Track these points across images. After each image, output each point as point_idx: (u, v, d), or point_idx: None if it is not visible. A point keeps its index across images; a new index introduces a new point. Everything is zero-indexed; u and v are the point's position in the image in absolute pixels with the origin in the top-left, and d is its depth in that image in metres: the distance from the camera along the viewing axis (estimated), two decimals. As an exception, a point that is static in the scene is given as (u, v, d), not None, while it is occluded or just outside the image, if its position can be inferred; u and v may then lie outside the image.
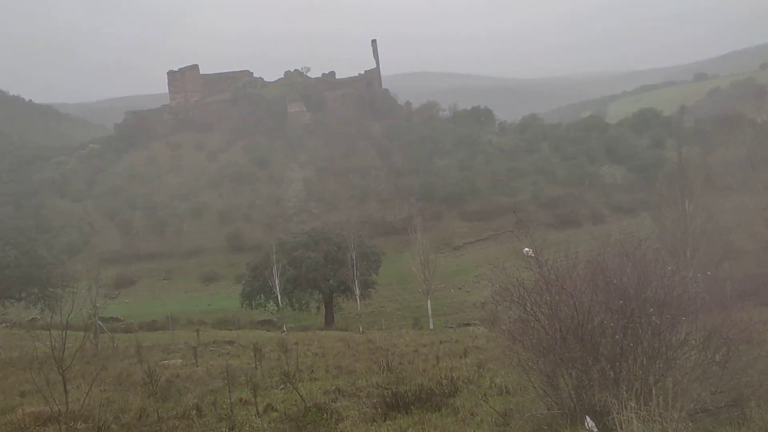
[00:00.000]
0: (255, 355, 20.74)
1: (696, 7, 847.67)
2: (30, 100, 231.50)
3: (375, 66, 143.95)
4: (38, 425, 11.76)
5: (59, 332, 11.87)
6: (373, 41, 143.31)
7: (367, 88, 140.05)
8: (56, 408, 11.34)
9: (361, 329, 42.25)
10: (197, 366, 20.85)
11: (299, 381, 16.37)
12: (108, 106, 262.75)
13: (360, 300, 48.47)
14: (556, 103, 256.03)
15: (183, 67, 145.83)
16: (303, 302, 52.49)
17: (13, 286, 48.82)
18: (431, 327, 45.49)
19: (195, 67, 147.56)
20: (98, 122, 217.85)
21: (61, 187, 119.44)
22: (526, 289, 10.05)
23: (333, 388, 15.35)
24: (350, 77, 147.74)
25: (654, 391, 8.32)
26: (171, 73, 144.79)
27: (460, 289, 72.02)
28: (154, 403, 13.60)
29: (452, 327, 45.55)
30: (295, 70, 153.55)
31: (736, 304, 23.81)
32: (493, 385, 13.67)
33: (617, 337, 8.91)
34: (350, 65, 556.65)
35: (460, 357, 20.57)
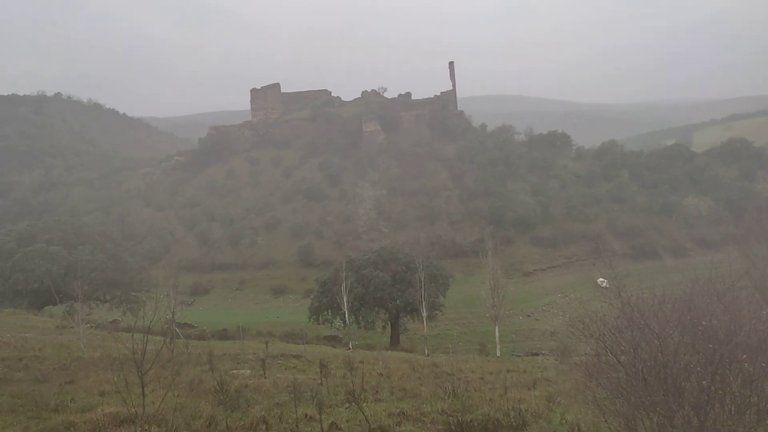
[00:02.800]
0: (321, 371, 20.89)
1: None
2: (124, 113, 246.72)
3: (451, 87, 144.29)
4: (115, 425, 12.24)
5: (140, 336, 12.38)
6: (450, 63, 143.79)
7: (442, 110, 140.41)
8: (133, 410, 11.77)
9: (426, 352, 41.83)
10: (265, 378, 21.19)
11: (364, 401, 16.32)
12: (193, 120, 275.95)
13: (426, 322, 48.04)
14: (634, 130, 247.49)
15: (265, 85, 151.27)
16: (369, 321, 52.52)
17: (99, 289, 51.53)
18: (498, 354, 44.44)
19: (276, 85, 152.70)
20: (183, 136, 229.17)
21: (146, 196, 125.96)
22: (605, 324, 9.64)
23: (397, 411, 15.19)
24: (426, 98, 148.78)
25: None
26: (254, 91, 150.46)
27: (528, 316, 70.15)
28: (223, 412, 13.90)
29: (520, 355, 44.36)
30: (372, 90, 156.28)
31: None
32: (564, 421, 13.13)
33: (704, 382, 8.37)
34: (427, 87, 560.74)
35: (529, 388, 19.93)
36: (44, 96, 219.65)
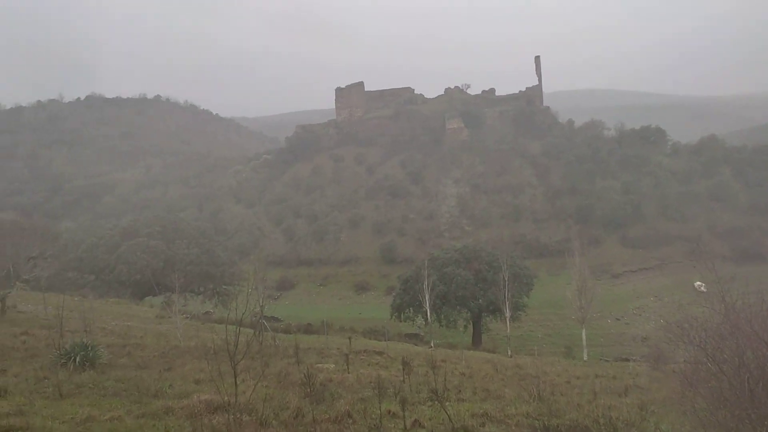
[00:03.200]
0: (403, 368, 20.97)
1: None
2: (217, 114, 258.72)
3: (537, 83, 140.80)
4: (209, 412, 12.85)
5: (232, 327, 12.92)
6: (537, 58, 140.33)
7: (528, 105, 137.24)
8: (226, 398, 12.30)
9: (509, 353, 41.10)
10: (348, 373, 21.55)
11: (447, 400, 16.24)
12: (281, 120, 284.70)
13: (509, 322, 47.16)
14: (739, 125, 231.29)
15: (349, 84, 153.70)
16: (451, 319, 52.23)
17: (193, 281, 54.29)
18: (585, 358, 42.95)
19: (360, 84, 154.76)
20: (271, 135, 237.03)
21: (237, 193, 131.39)
22: (706, 330, 9.08)
23: (481, 411, 15.01)
24: (510, 94, 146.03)
25: None
26: (338, 90, 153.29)
27: (618, 320, 67.36)
28: (309, 405, 14.25)
29: (608, 360, 42.71)
30: (456, 86, 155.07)
31: None
32: (658, 431, 12.50)
33: (820, 397, 7.71)
34: (511, 82, 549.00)
35: (620, 395, 19.15)
36: (145, 99, 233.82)
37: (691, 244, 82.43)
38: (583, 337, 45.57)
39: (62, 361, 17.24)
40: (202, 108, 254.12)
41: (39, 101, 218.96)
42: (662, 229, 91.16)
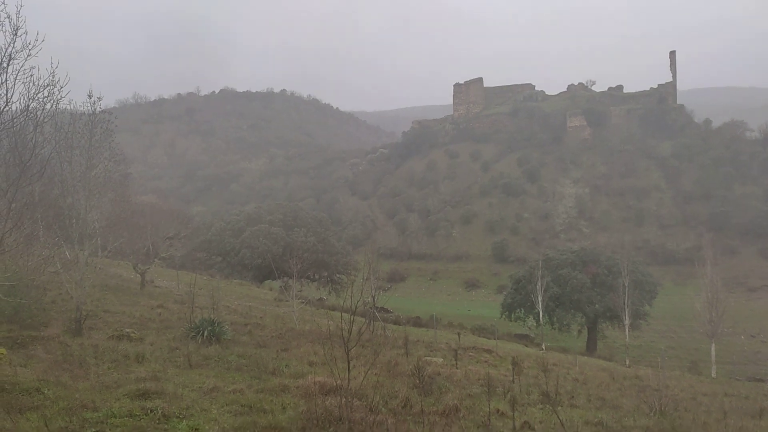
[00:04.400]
0: (513, 368, 20.57)
1: None
2: (337, 108, 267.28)
3: (671, 79, 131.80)
4: (322, 393, 13.34)
5: (347, 315, 13.30)
6: (672, 53, 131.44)
7: (659, 103, 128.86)
8: (338, 382, 12.70)
9: (627, 362, 39.01)
10: (457, 368, 21.47)
11: (558, 404, 15.73)
12: (399, 115, 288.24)
13: (629, 330, 44.71)
14: None
15: (468, 80, 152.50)
16: (564, 323, 50.41)
17: (309, 268, 56.46)
18: (714, 375, 39.79)
19: (479, 80, 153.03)
20: (389, 129, 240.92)
21: (353, 185, 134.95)
22: None
23: (596, 420, 14.38)
24: (640, 91, 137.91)
25: None
26: (457, 86, 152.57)
27: (753, 337, 61.70)
28: (417, 396, 14.38)
29: (740, 379, 39.24)
30: (579, 83, 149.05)
31: None
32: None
33: None
34: (641, 80, 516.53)
35: (753, 417, 17.56)
36: (272, 93, 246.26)
37: None
38: (712, 352, 42.24)
39: (192, 334, 18.62)
40: (324, 102, 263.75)
41: (179, 94, 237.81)
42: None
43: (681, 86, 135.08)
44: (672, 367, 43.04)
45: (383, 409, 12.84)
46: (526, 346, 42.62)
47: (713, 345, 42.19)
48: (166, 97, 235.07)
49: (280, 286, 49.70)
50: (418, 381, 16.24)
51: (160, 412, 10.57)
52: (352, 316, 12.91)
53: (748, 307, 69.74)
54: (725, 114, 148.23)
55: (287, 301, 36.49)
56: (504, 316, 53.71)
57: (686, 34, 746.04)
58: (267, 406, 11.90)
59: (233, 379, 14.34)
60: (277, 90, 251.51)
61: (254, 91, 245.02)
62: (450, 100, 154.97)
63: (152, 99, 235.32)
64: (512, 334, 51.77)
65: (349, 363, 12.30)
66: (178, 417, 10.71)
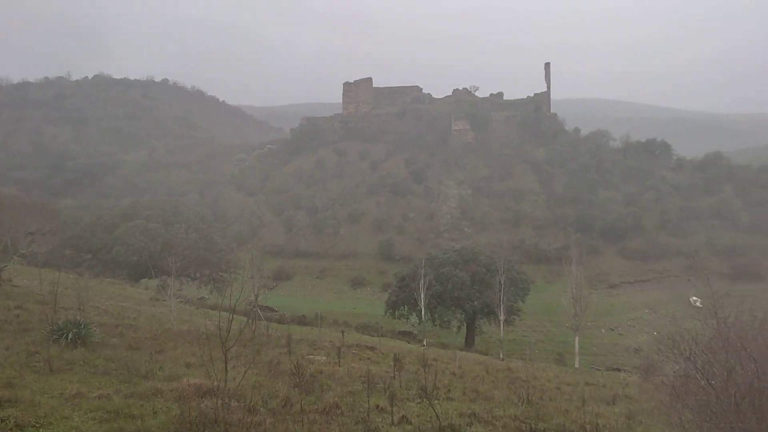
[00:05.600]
0: (394, 365, 21.01)
1: None
2: (223, 101, 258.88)
3: (545, 89, 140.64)
4: (198, 396, 12.89)
5: (226, 314, 12.95)
6: (546, 64, 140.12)
7: (535, 111, 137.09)
8: (215, 383, 12.33)
9: (501, 356, 41.18)
10: (339, 366, 21.60)
11: (435, 398, 16.28)
12: (288, 111, 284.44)
13: (503, 326, 47.25)
14: (746, 143, 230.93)
15: (358, 79, 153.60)
16: (445, 319, 52.32)
17: (190, 266, 54.36)
18: (577, 366, 43.03)
19: (369, 79, 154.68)
20: (277, 125, 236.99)
21: (239, 181, 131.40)
22: (697, 344, 9.11)
23: (469, 411, 15.05)
24: (518, 99, 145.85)
25: None
26: (346, 84, 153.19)
27: (612, 330, 67.41)
28: (298, 394, 14.30)
29: (599, 369, 42.78)
30: (464, 88, 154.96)
31: None
32: (645, 441, 12.54)
33: (807, 415, 7.74)
34: (521, 89, 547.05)
35: (608, 404, 19.19)
36: (152, 81, 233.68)
37: (689, 259, 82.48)
38: (576, 344, 45.66)
39: (54, 337, 17.28)
40: (209, 94, 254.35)
41: (46, 78, 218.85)
42: (661, 243, 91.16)
43: (555, 96, 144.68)
44: (541, 359, 46.05)
45: (262, 409, 12.63)
46: (409, 342, 43.73)
47: (577, 338, 45.61)
48: (31, 81, 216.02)
49: (158, 285, 47.35)
50: (298, 380, 16.16)
51: (12, 421, 9.72)
52: (231, 315, 12.59)
53: (609, 302, 76.04)
54: (592, 124, 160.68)
55: (164, 300, 34.85)
56: (388, 314, 54.72)
57: (562, 50, 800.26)
58: (136, 412, 11.30)
59: (99, 384, 13.48)
60: (158, 79, 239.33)
61: (133, 78, 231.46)
62: (339, 99, 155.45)
63: (15, 81, 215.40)
64: (396, 332, 52.89)
65: (226, 363, 11.98)
66: (34, 426, 9.91)
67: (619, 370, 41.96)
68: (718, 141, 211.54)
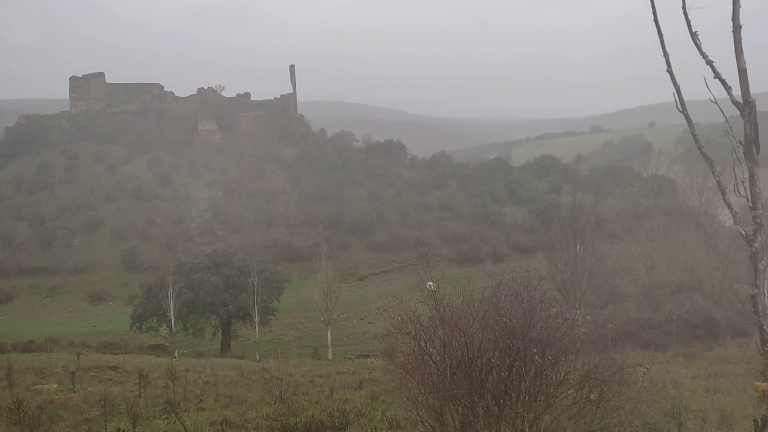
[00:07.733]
0: (140, 382, 19.63)
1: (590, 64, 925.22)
2: None
3: (291, 91, 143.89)
4: None
5: None
6: (291, 66, 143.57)
7: (282, 113, 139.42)
8: None
9: (258, 357, 41.13)
10: (74, 392, 19.44)
11: (185, 411, 15.63)
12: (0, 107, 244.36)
13: (259, 327, 47.22)
14: (464, 143, 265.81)
15: (88, 74, 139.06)
16: (198, 327, 50.46)
17: None
18: (330, 357, 45.01)
19: (101, 74, 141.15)
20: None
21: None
22: (421, 324, 10.21)
23: (220, 419, 14.76)
24: (266, 100, 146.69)
25: (533, 429, 8.63)
26: (74, 79, 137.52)
27: (362, 319, 71.92)
28: (19, 433, 12.51)
29: (351, 358, 45.32)
30: (209, 87, 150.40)
31: (615, 345, 25.40)
32: (385, 418, 13.67)
33: (503, 374, 9.21)
34: (267, 89, 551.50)
35: (355, 389, 20.46)
36: None
37: (424, 248, 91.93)
38: (329, 337, 47.73)
39: None
40: None
41: None
42: (402, 235, 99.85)
43: (303, 98, 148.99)
44: (297, 355, 47.24)
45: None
46: (158, 356, 41.20)
47: (329, 330, 47.74)
48: None
49: None
50: (21, 415, 14.14)
51: None
52: None
53: (359, 294, 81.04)
54: (337, 125, 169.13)
55: None
56: (135, 328, 50.94)
57: (306, 53, 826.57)
58: None
59: None
60: None
61: None
62: (66, 95, 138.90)
63: None
64: (146, 346, 49.49)
65: None
66: None
67: (368, 356, 44.94)
68: (443, 142, 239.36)
